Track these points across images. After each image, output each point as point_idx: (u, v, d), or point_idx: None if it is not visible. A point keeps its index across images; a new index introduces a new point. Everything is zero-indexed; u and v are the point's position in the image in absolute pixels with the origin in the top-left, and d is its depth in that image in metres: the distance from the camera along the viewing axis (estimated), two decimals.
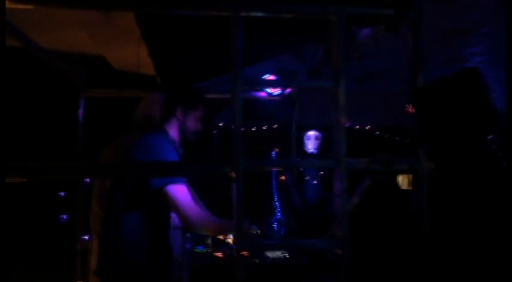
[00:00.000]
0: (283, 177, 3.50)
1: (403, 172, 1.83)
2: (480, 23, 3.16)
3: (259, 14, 1.84)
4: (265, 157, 5.62)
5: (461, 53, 3.78)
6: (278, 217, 3.64)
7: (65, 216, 5.46)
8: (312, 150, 4.11)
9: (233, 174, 1.74)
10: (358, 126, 6.00)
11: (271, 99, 3.73)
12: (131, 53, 4.02)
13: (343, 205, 1.77)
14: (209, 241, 2.74)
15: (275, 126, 6.09)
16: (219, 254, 2.35)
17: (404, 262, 2.01)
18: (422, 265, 1.83)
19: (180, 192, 2.19)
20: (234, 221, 1.78)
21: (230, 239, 2.73)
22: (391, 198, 2.24)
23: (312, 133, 4.38)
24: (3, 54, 1.57)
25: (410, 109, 1.73)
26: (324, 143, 4.06)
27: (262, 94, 3.64)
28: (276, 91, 3.55)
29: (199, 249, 2.55)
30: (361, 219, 1.78)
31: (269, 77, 3.59)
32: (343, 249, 1.77)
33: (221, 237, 2.81)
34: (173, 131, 2.47)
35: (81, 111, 3.53)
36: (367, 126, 6.03)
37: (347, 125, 1.85)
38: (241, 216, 1.75)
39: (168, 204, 2.22)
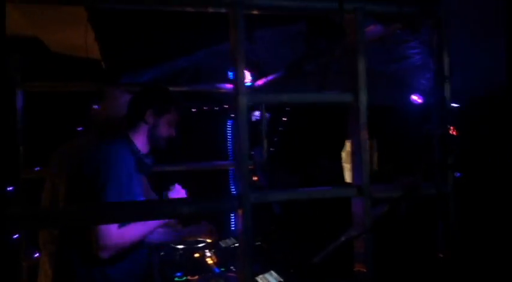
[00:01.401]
0: (255, 178, 3.20)
1: (428, 197, 1.58)
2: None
3: (262, 12, 1.49)
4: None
5: (405, 52, 3.90)
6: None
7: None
8: None
9: (239, 211, 1.42)
10: None
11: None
12: (76, 36, 3.52)
13: (368, 245, 1.51)
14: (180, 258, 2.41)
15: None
16: None
17: None
18: None
19: None
20: (240, 262, 1.47)
21: (210, 259, 2.42)
22: (410, 226, 2.02)
23: (256, 113, 4.09)
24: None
25: (453, 131, 1.47)
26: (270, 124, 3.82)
27: (230, 86, 3.30)
28: (246, 83, 3.22)
29: (177, 276, 2.22)
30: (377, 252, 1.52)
31: None
32: None
33: (197, 255, 2.49)
34: (141, 138, 2.12)
35: (18, 106, 3.06)
36: None
37: None
38: (249, 258, 1.44)
39: None
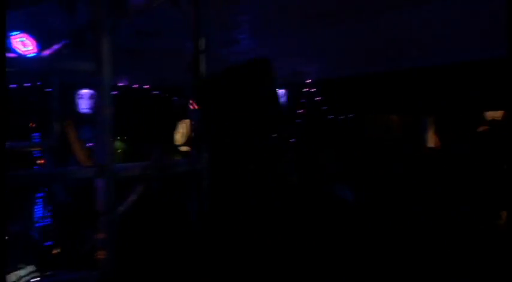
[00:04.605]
0: (42, 161, 2.89)
1: (182, 175, 1.55)
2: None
3: None
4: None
5: (235, 36, 3.99)
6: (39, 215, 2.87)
7: None
8: (85, 110, 4.04)
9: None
10: (136, 85, 5.60)
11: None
12: None
13: (111, 223, 1.41)
14: None
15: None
16: None
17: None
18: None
19: None
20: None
21: None
22: (166, 202, 1.97)
23: (85, 92, 4.09)
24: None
25: (194, 105, 1.44)
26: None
27: (11, 55, 2.91)
28: (31, 53, 2.87)
29: None
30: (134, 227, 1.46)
31: (18, 35, 2.88)
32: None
33: None
34: None
35: None
36: (145, 85, 5.70)
37: (123, 84, 1.50)
38: None
39: None
